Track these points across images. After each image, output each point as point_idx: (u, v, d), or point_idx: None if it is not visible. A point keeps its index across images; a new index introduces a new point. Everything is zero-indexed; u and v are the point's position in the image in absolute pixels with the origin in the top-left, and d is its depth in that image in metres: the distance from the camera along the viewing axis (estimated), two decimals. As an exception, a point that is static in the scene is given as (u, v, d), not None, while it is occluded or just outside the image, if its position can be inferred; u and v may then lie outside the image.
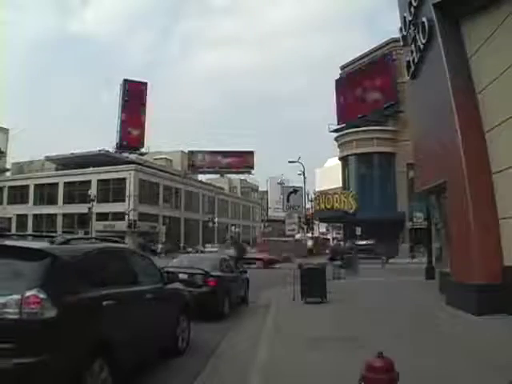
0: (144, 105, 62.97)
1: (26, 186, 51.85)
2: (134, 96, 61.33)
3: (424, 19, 10.34)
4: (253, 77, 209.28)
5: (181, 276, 8.77)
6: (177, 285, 6.81)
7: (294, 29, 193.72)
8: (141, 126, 62.11)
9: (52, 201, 49.82)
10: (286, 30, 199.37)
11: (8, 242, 4.46)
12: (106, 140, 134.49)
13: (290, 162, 43.10)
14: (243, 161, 72.98)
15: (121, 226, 43.85)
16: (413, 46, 11.64)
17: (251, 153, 73.77)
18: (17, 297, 3.43)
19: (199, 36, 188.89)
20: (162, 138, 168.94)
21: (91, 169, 48.35)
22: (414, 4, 11.17)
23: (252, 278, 13.14)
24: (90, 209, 40.19)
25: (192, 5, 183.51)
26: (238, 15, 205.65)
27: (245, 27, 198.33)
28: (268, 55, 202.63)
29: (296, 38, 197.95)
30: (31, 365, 3.32)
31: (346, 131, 45.51)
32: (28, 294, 3.45)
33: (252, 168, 74.57)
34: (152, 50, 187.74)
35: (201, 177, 72.97)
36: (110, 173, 47.20)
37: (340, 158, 46.99)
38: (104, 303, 4.23)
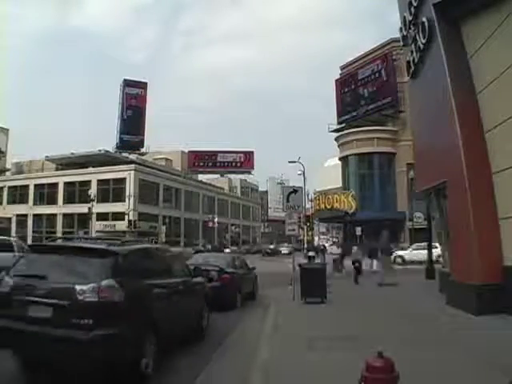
0: (144, 104, 62.88)
1: (26, 186, 51.75)
2: (133, 96, 61.27)
3: (424, 19, 10.34)
4: (253, 75, 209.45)
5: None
6: (199, 278, 7.78)
7: (296, 25, 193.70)
8: (141, 125, 62.03)
9: (52, 201, 49.73)
10: (288, 27, 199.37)
11: (84, 244, 5.85)
12: (106, 140, 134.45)
13: (289, 162, 43.21)
14: (243, 161, 72.93)
15: (121, 226, 43.81)
16: (413, 46, 11.63)
17: (251, 153, 73.73)
18: (95, 285, 4.57)
19: (200, 33, 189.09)
20: (162, 138, 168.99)
21: (91, 169, 48.31)
22: (414, 4, 11.16)
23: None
24: (90, 209, 40.15)
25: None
26: (238, 12, 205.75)
27: (245, 24, 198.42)
28: (269, 53, 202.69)
29: (297, 35, 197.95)
30: (106, 336, 4.43)
31: (346, 131, 45.49)
32: (103, 283, 4.61)
33: (252, 168, 74.52)
34: (152, 47, 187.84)
35: (201, 177, 72.87)
36: (110, 173, 47.11)
37: (340, 158, 46.94)
38: (152, 290, 5.53)
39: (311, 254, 27.26)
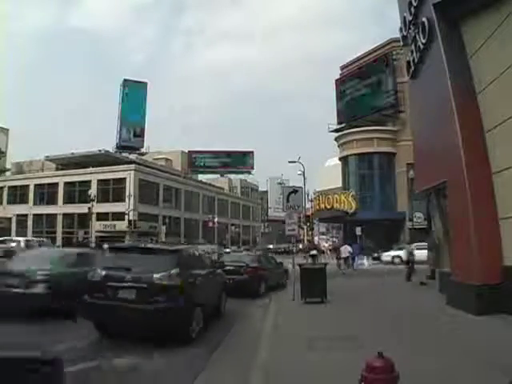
0: (144, 104, 62.85)
1: (26, 186, 51.67)
2: (133, 96, 61.23)
3: (424, 19, 10.34)
4: (253, 75, 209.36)
5: (228, 267, 12.23)
6: (219, 270, 10.15)
7: (296, 25, 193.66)
8: (141, 125, 61.99)
9: (52, 201, 49.67)
10: (288, 27, 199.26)
11: (152, 245, 9.32)
12: (106, 140, 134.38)
13: (290, 162, 43.08)
14: (243, 161, 72.93)
15: (121, 225, 43.79)
16: (413, 46, 11.63)
17: (251, 153, 73.72)
18: (167, 273, 6.59)
19: (200, 33, 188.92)
20: (162, 138, 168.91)
21: (91, 169, 48.25)
22: (414, 4, 11.16)
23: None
24: (90, 209, 40.11)
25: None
26: (238, 12, 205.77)
27: (245, 24, 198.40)
28: (269, 53, 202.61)
29: (297, 35, 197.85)
30: (174, 307, 6.43)
31: (346, 131, 45.43)
32: (172, 271, 6.66)
33: (252, 168, 74.51)
34: (152, 47, 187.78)
35: (201, 177, 72.84)
36: (110, 173, 47.07)
37: (340, 158, 46.90)
38: (197, 276, 7.64)
39: (314, 252, 27.35)
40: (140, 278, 6.50)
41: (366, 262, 28.52)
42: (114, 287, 6.49)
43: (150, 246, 8.48)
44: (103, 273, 6.75)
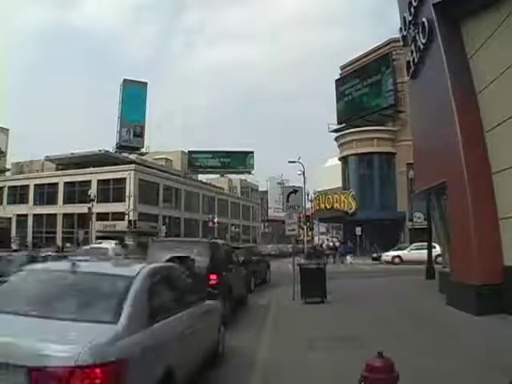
0: (144, 104, 62.81)
1: (26, 186, 51.64)
2: (133, 96, 61.16)
3: (424, 19, 10.34)
4: (254, 75, 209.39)
5: None
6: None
7: (296, 25, 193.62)
8: (141, 125, 61.97)
9: (52, 201, 49.65)
10: (288, 27, 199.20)
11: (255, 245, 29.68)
12: (106, 140, 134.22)
13: (289, 162, 43.12)
14: (243, 161, 72.90)
15: (121, 226, 43.78)
16: (413, 45, 11.64)
17: (251, 153, 73.68)
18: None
19: (200, 33, 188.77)
20: (162, 138, 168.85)
21: (91, 169, 48.22)
22: (414, 4, 11.16)
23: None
24: (90, 209, 40.08)
25: None
26: (239, 9, 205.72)
27: (245, 24, 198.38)
28: (269, 53, 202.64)
29: (297, 34, 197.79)
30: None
31: (346, 131, 45.43)
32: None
33: (252, 168, 74.48)
34: (152, 46, 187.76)
35: (201, 177, 72.80)
36: (110, 173, 47.03)
37: (340, 158, 46.90)
38: (253, 259, 16.20)
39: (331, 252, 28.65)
40: None
41: (348, 259, 31.00)
42: None
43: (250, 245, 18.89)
44: None
